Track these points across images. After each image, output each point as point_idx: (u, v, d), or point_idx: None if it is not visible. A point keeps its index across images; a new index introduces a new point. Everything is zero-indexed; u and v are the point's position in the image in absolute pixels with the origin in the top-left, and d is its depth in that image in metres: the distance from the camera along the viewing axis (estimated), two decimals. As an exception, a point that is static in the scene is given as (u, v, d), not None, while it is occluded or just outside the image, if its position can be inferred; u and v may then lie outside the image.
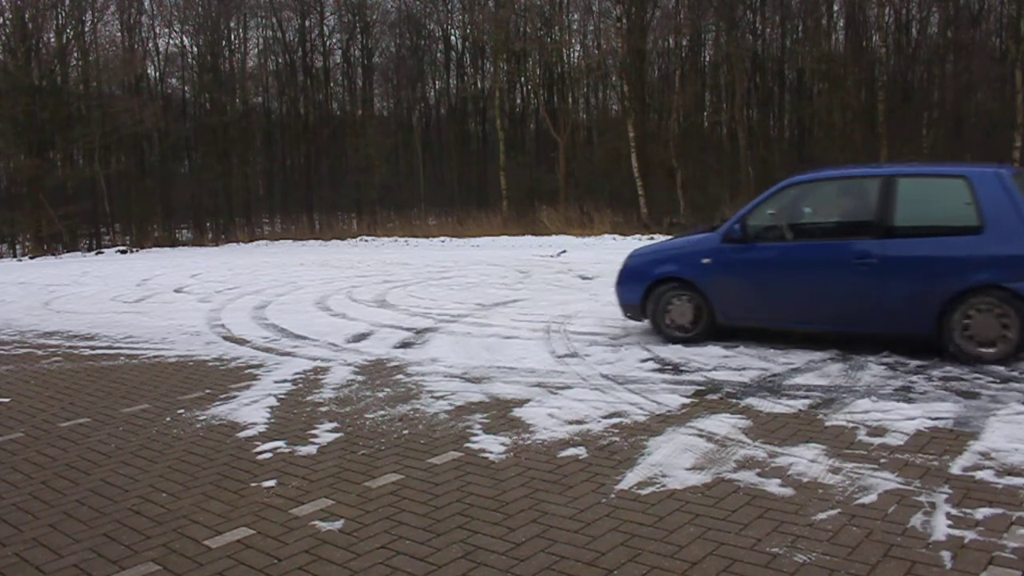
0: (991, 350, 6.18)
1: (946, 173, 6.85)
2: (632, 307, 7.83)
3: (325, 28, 35.43)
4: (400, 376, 6.70)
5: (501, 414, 5.47)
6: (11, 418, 6.02)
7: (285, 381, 6.69)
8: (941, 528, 3.50)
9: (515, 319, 9.12)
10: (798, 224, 7.11)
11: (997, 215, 6.16)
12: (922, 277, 6.37)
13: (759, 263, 7.09)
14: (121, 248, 26.67)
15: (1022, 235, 6.08)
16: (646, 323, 7.86)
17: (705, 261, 7.30)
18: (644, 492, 4.05)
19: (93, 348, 8.75)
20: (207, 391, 6.51)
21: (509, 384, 6.23)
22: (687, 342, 7.33)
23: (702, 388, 5.88)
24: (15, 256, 26.20)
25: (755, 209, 7.18)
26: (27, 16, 27.56)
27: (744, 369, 6.38)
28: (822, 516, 3.67)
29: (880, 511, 3.69)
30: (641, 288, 7.65)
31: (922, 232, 6.47)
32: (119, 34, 32.83)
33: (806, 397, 5.53)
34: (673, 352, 7.06)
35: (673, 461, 4.42)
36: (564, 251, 18.06)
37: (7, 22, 28.15)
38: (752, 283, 7.13)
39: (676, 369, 6.49)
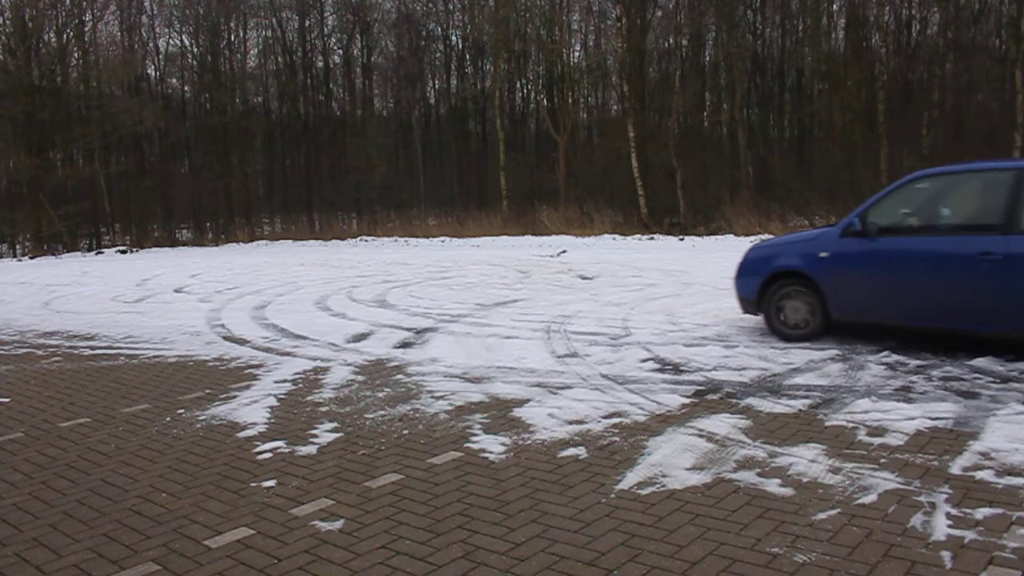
0: None
1: None
2: (748, 301, 7.74)
3: (325, 28, 35.48)
4: (400, 376, 6.70)
5: (501, 414, 5.47)
6: (11, 418, 6.02)
7: (285, 381, 6.69)
8: (941, 528, 3.49)
9: (515, 319, 9.12)
10: (918, 219, 6.89)
11: None
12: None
13: (879, 258, 6.85)
14: (121, 248, 26.67)
15: None
16: (760, 319, 7.69)
17: (823, 255, 7.16)
18: (644, 492, 4.05)
19: (93, 348, 8.75)
20: (207, 391, 6.51)
21: (509, 384, 6.23)
22: (801, 339, 7.21)
23: (702, 388, 5.88)
24: (15, 256, 26.20)
25: (877, 203, 7.02)
26: (27, 16, 27.55)
27: (744, 369, 6.37)
28: (822, 516, 3.67)
29: (880, 511, 3.69)
30: (758, 281, 7.56)
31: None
32: (119, 34, 32.87)
33: (806, 397, 5.53)
34: (673, 352, 7.06)
35: (673, 461, 4.42)
36: (564, 251, 18.07)
37: (7, 22, 28.16)
38: (868, 277, 6.93)
39: (676, 369, 6.49)
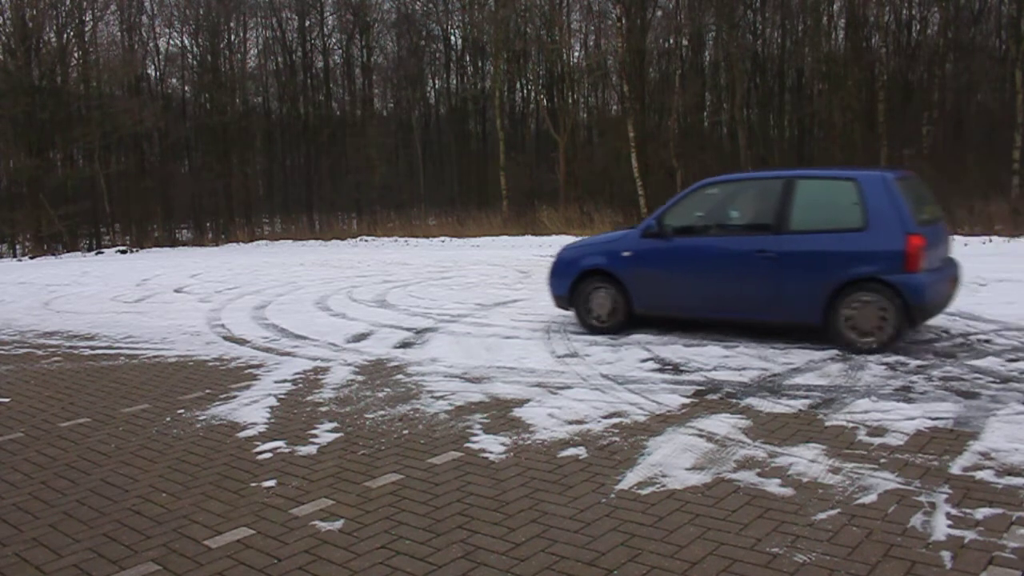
0: (870, 339, 6.68)
1: (838, 176, 7.39)
2: (561, 298, 8.39)
3: (325, 28, 35.47)
4: (400, 376, 6.70)
5: (501, 414, 5.47)
6: (11, 418, 6.02)
7: (285, 381, 6.69)
8: (941, 528, 3.49)
9: (515, 319, 9.12)
10: (706, 221, 7.71)
11: (879, 215, 6.69)
12: (812, 270, 6.88)
13: (673, 256, 7.63)
14: (121, 248, 26.67)
15: (900, 233, 6.59)
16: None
17: (626, 254, 7.87)
18: (644, 492, 4.05)
19: (93, 348, 8.75)
20: (207, 391, 6.51)
21: (509, 384, 6.23)
22: (607, 331, 7.93)
23: (702, 388, 5.88)
24: (15, 256, 26.20)
25: (672, 207, 7.83)
26: (27, 16, 27.55)
27: (744, 369, 6.37)
28: (822, 516, 3.67)
29: (880, 511, 3.69)
30: (569, 280, 8.21)
31: (814, 228, 7.00)
32: (119, 34, 32.89)
33: (806, 397, 5.53)
34: (673, 352, 7.06)
35: (673, 461, 4.42)
36: (564, 251, 18.04)
37: (7, 22, 28.16)
38: (663, 274, 7.70)
39: (676, 369, 6.49)
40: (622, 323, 7.90)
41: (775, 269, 7.01)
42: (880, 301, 6.61)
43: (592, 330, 8.00)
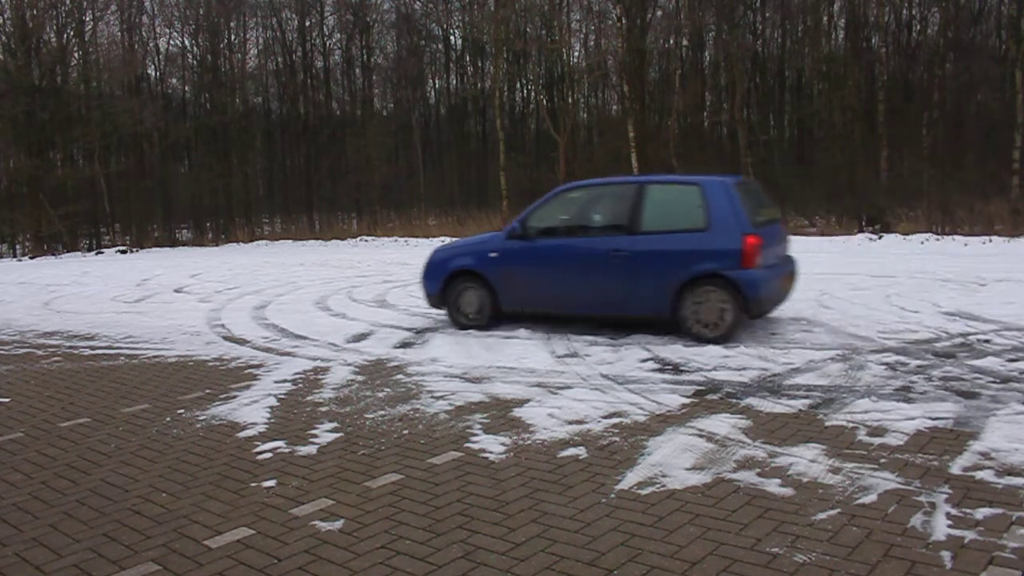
0: (712, 330, 7.29)
1: (683, 181, 8.08)
2: (433, 297, 8.79)
3: (325, 28, 35.46)
4: (400, 376, 6.70)
5: (501, 414, 5.47)
6: (11, 418, 6.02)
7: (285, 381, 6.69)
8: (941, 528, 3.49)
9: (515, 319, 9.10)
10: (566, 223, 8.22)
11: (720, 217, 7.30)
12: (662, 267, 7.45)
13: (536, 256, 8.10)
14: (121, 248, 26.66)
15: (737, 233, 7.18)
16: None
17: (492, 255, 8.32)
18: (644, 492, 4.05)
19: (93, 348, 8.75)
20: (207, 391, 6.51)
21: (509, 384, 6.23)
22: (476, 328, 8.37)
23: (702, 388, 5.88)
24: (15, 256, 26.19)
25: (535, 210, 8.31)
26: (27, 16, 27.55)
27: (744, 369, 6.37)
28: (822, 516, 3.67)
29: (880, 511, 3.69)
30: (440, 280, 8.62)
31: (663, 230, 7.59)
32: (119, 34, 32.88)
33: (806, 397, 5.53)
34: (673, 352, 7.06)
35: (673, 461, 4.42)
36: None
37: (7, 22, 28.16)
38: (526, 273, 8.16)
39: (676, 369, 6.49)
40: (489, 320, 8.36)
41: (629, 267, 7.57)
42: (720, 295, 7.22)
43: (461, 327, 8.49)
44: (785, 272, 7.92)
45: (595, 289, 7.80)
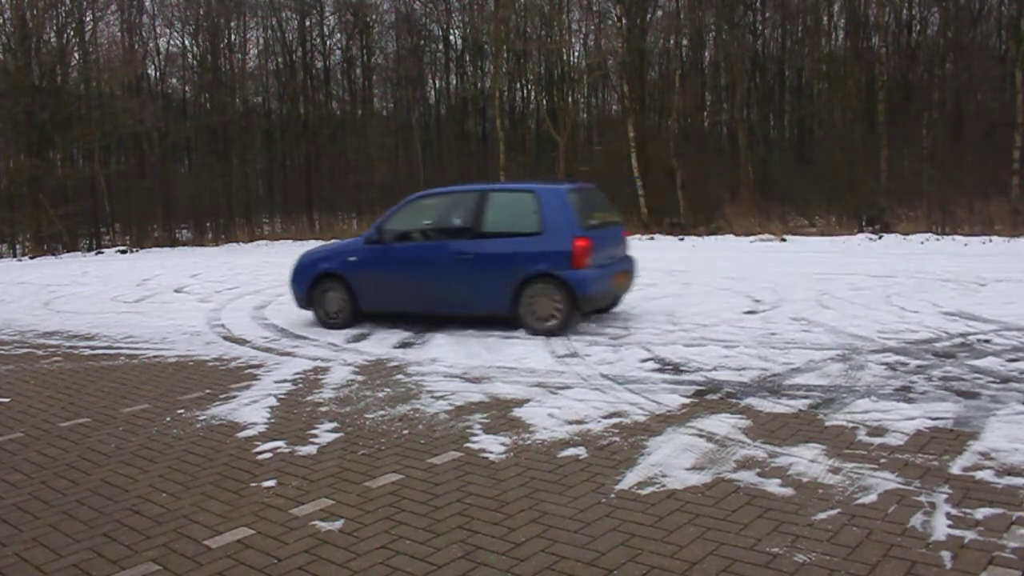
0: (547, 324, 7.97)
1: (521, 189, 8.71)
2: (301, 298, 9.31)
3: (325, 28, 35.45)
4: (400, 376, 6.70)
5: (501, 414, 5.47)
6: (11, 418, 6.02)
7: (285, 381, 6.69)
8: (941, 528, 3.49)
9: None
10: (417, 229, 8.85)
11: (553, 221, 7.96)
12: (503, 268, 8.07)
13: (391, 260, 8.71)
14: (121, 248, 26.65)
15: (568, 236, 7.85)
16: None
17: (352, 259, 8.91)
18: (644, 492, 4.05)
19: (93, 348, 8.75)
20: (207, 391, 6.51)
21: (509, 384, 6.23)
22: (339, 327, 8.87)
23: (702, 388, 5.88)
24: (15, 256, 26.17)
25: (391, 217, 8.96)
26: (27, 16, 27.55)
27: (744, 369, 6.37)
28: (822, 516, 3.67)
29: (880, 511, 3.69)
30: (307, 283, 9.14)
31: (503, 234, 8.22)
32: (119, 34, 32.87)
33: (806, 397, 5.53)
34: (673, 352, 7.06)
35: (673, 461, 4.42)
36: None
37: (7, 22, 28.15)
38: (382, 276, 8.72)
39: (676, 369, 6.49)
40: (351, 319, 8.90)
41: (473, 268, 8.20)
42: (553, 292, 7.91)
43: (326, 325, 8.98)
44: (618, 271, 8.59)
45: (444, 289, 8.41)
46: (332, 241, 10.68)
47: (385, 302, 8.80)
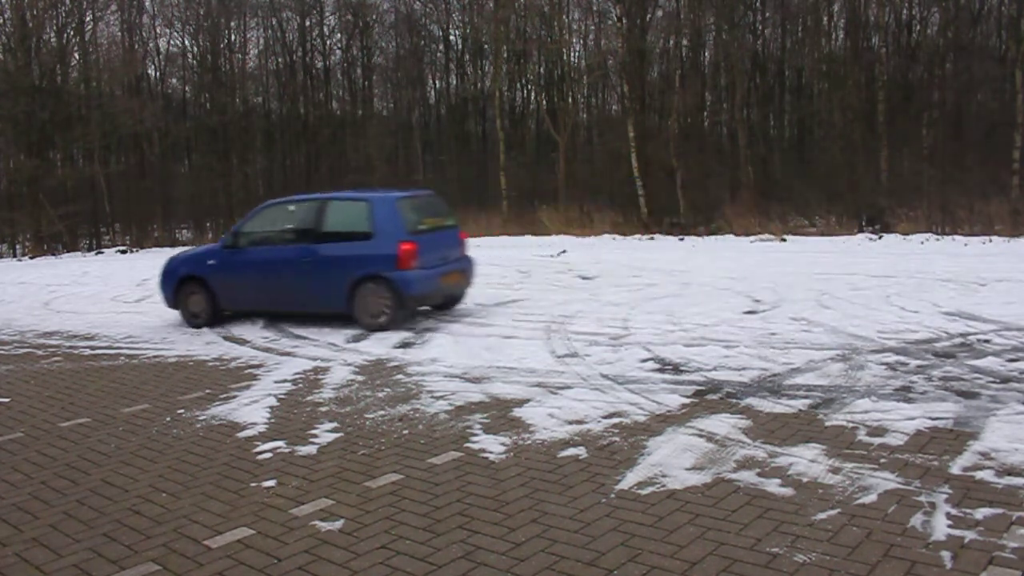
0: (379, 320, 8.66)
1: (356, 198, 9.45)
2: (168, 299, 9.96)
3: (325, 28, 35.47)
4: (400, 376, 6.70)
5: (501, 414, 5.47)
6: (11, 418, 6.02)
7: (285, 381, 6.69)
8: (941, 528, 3.49)
9: (515, 319, 9.11)
10: (267, 234, 9.57)
11: (382, 227, 8.75)
12: (339, 270, 8.76)
13: (245, 263, 9.40)
14: (121, 248, 26.64)
15: (395, 241, 8.61)
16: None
17: (211, 263, 9.61)
18: (644, 492, 4.05)
19: (93, 348, 8.75)
20: (207, 391, 6.51)
21: (509, 384, 6.23)
22: (201, 325, 9.55)
23: (702, 388, 5.88)
24: (15, 256, 26.17)
25: (245, 223, 9.70)
26: (27, 16, 27.55)
27: (744, 369, 6.37)
28: (822, 516, 3.67)
29: (880, 511, 3.69)
30: (173, 285, 9.83)
31: (340, 238, 8.95)
32: (119, 34, 32.88)
33: (806, 397, 5.53)
34: (673, 352, 7.06)
35: (673, 461, 4.42)
36: (564, 251, 18.06)
37: (7, 22, 28.15)
38: (237, 278, 9.39)
39: (676, 369, 6.49)
40: (212, 319, 9.57)
41: (314, 271, 8.92)
42: (382, 292, 8.61)
43: (191, 325, 9.63)
44: (449, 271, 9.31)
45: (290, 290, 9.14)
46: (198, 247, 12.18)
47: (241, 302, 9.57)
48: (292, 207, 9.70)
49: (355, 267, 8.73)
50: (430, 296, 9.12)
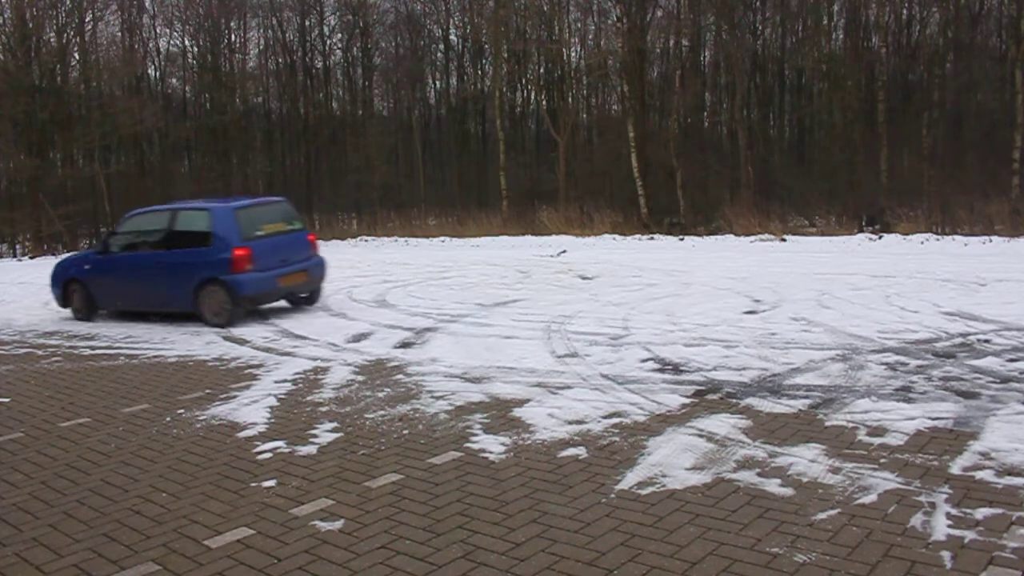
0: (219, 318, 9.65)
1: (199, 207, 10.51)
2: (58, 298, 11.18)
3: (325, 28, 35.45)
4: (400, 376, 6.70)
5: (501, 414, 5.47)
6: (11, 418, 6.02)
7: (285, 381, 6.69)
8: (941, 528, 3.49)
9: (515, 319, 9.11)
10: (131, 241, 10.64)
11: (220, 234, 9.68)
12: (185, 273, 9.80)
13: (114, 266, 10.60)
14: (121, 248, 26.61)
15: (229, 247, 9.56)
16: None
17: (87, 267, 10.90)
18: (644, 492, 4.05)
19: (93, 348, 8.75)
20: (207, 391, 6.51)
21: (509, 384, 6.23)
22: (82, 320, 10.80)
23: (702, 388, 5.88)
24: (15, 256, 26.17)
25: (114, 231, 11.11)
26: (27, 16, 27.54)
27: (744, 369, 6.37)
28: (822, 516, 3.67)
29: (880, 511, 3.69)
30: (60, 287, 11.10)
31: (186, 245, 9.95)
32: (119, 34, 32.86)
33: (806, 397, 5.53)
34: (673, 352, 7.06)
35: (673, 461, 4.42)
36: (564, 251, 18.06)
37: (7, 22, 28.15)
38: (108, 280, 10.62)
39: (676, 369, 6.49)
40: (91, 314, 10.82)
41: (165, 274, 9.98)
42: (220, 293, 9.57)
43: (77, 319, 10.85)
44: (289, 272, 10.12)
45: (147, 290, 10.26)
46: (82, 251, 14.05)
47: (112, 301, 10.81)
48: (150, 216, 10.78)
49: (198, 271, 9.70)
50: (266, 296, 10.01)
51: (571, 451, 4.68)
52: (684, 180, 24.11)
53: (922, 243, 16.56)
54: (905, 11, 26.52)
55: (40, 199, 26.97)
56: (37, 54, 28.14)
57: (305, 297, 10.79)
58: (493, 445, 4.84)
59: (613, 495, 4.03)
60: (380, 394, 6.15)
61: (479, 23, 31.45)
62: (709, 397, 5.65)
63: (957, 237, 16.81)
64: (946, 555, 3.27)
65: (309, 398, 6.13)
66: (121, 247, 10.67)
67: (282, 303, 11.51)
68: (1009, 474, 4.04)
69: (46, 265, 21.35)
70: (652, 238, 21.02)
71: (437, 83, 36.94)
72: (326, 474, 4.50)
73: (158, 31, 34.46)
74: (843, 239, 17.90)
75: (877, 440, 4.62)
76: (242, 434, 5.30)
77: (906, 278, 11.15)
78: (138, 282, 10.32)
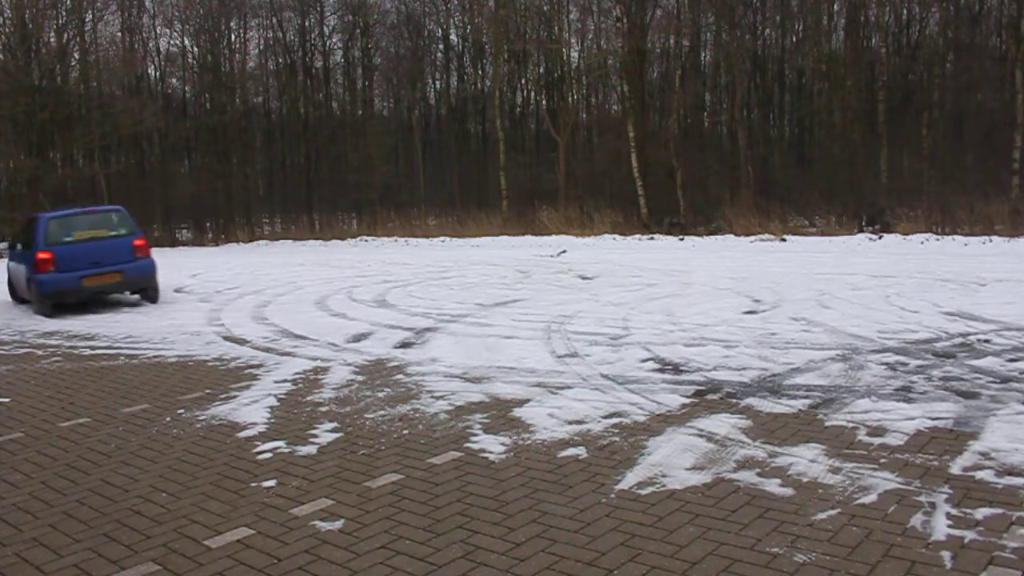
0: (37, 309, 11.53)
1: (38, 216, 12.21)
2: (8, 291, 13.28)
3: (325, 28, 35.48)
4: (400, 376, 6.70)
5: (501, 414, 5.47)
6: (11, 418, 6.02)
7: (285, 381, 6.69)
8: (941, 528, 3.49)
9: (515, 319, 9.11)
10: (31, 240, 11.79)
11: (37, 239, 11.44)
12: (23, 271, 11.92)
13: (17, 262, 12.52)
14: (121, 248, 26.61)
15: (35, 251, 11.33)
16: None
17: (11, 262, 12.97)
18: (644, 492, 4.05)
19: (93, 348, 8.75)
20: (207, 391, 6.51)
21: (509, 384, 6.23)
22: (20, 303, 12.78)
23: (702, 388, 5.88)
24: (15, 256, 26.17)
25: (27, 233, 12.35)
26: (27, 16, 27.55)
27: (744, 369, 6.37)
28: (822, 516, 3.67)
29: (880, 511, 3.69)
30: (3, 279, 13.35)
31: (26, 247, 11.83)
32: (119, 34, 32.91)
33: (806, 397, 5.53)
34: (673, 352, 7.06)
35: (673, 461, 4.42)
36: (564, 251, 18.07)
37: (7, 22, 28.16)
38: (14, 274, 12.76)
39: (676, 369, 6.49)
40: (19, 303, 12.74)
41: (25, 271, 11.83)
42: (33, 287, 11.45)
43: (16, 303, 12.88)
44: (98, 273, 11.39)
45: (23, 284, 12.12)
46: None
47: (20, 293, 12.65)
48: (34, 222, 12.16)
49: (28, 269, 11.64)
50: (68, 293, 11.40)
51: (571, 451, 4.68)
52: (684, 180, 24.12)
53: (922, 243, 16.56)
54: (905, 11, 26.56)
55: (40, 199, 26.95)
56: (37, 54, 28.15)
57: (141, 295, 12.10)
58: (493, 445, 4.84)
59: (613, 495, 4.03)
60: (380, 394, 6.15)
61: (479, 23, 31.48)
62: (709, 397, 5.65)
63: (957, 237, 16.81)
64: (946, 555, 3.27)
65: (309, 398, 6.13)
66: (25, 246, 12.15)
67: (282, 303, 11.54)
68: (1009, 474, 4.04)
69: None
70: (652, 238, 21.02)
71: (437, 83, 37.00)
72: (326, 474, 4.50)
73: (158, 31, 34.57)
74: (843, 239, 17.91)
75: (877, 440, 4.62)
76: (242, 434, 5.30)
77: (906, 278, 11.16)
78: (25, 278, 11.97)
